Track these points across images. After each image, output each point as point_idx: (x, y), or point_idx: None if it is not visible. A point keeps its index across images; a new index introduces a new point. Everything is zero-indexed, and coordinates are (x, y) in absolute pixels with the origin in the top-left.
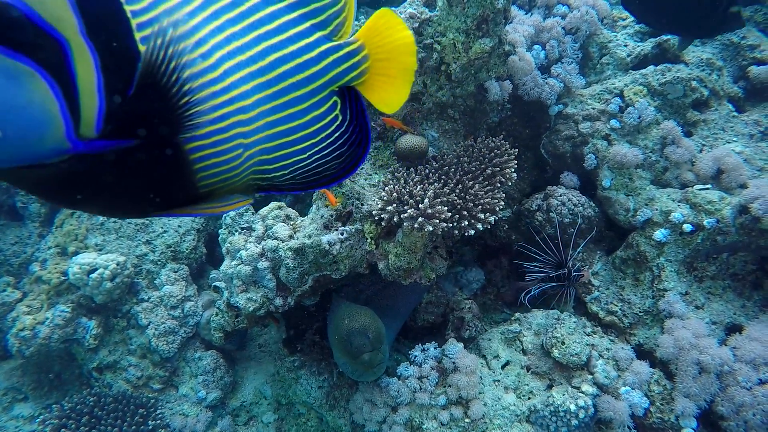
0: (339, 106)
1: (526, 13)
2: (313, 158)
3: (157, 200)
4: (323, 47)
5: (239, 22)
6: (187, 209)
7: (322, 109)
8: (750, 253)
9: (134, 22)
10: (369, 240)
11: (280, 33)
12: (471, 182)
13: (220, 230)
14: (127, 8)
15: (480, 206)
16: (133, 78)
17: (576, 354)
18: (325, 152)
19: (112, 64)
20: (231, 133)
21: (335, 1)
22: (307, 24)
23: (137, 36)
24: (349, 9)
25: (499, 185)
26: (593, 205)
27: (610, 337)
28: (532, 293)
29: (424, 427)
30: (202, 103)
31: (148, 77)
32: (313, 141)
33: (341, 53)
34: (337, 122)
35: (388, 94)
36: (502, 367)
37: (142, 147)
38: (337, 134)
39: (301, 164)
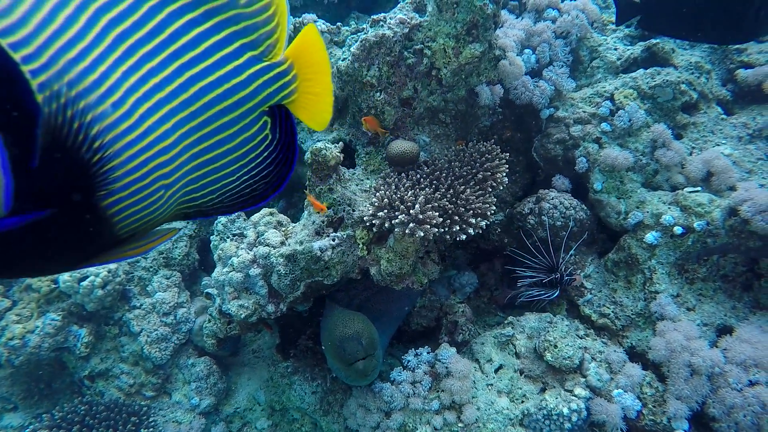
0: (269, 126)
1: (516, 18)
2: (242, 179)
3: (75, 257)
4: (254, 68)
5: (158, 54)
6: (104, 257)
7: (252, 131)
8: (740, 254)
9: (34, 84)
10: (361, 246)
11: (206, 58)
12: (462, 187)
13: (211, 237)
14: (25, 68)
15: (471, 211)
16: (35, 148)
17: (569, 357)
18: (254, 172)
19: (16, 136)
20: (151, 178)
21: (268, 19)
22: (237, 44)
23: (39, 98)
24: (281, 28)
25: (490, 189)
26: (585, 208)
27: (603, 340)
28: (518, 303)
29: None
30: (117, 156)
31: (50, 144)
32: (243, 162)
33: (272, 74)
34: (267, 142)
35: (317, 112)
36: (496, 371)
37: (56, 215)
38: (265, 154)
39: (230, 187)
